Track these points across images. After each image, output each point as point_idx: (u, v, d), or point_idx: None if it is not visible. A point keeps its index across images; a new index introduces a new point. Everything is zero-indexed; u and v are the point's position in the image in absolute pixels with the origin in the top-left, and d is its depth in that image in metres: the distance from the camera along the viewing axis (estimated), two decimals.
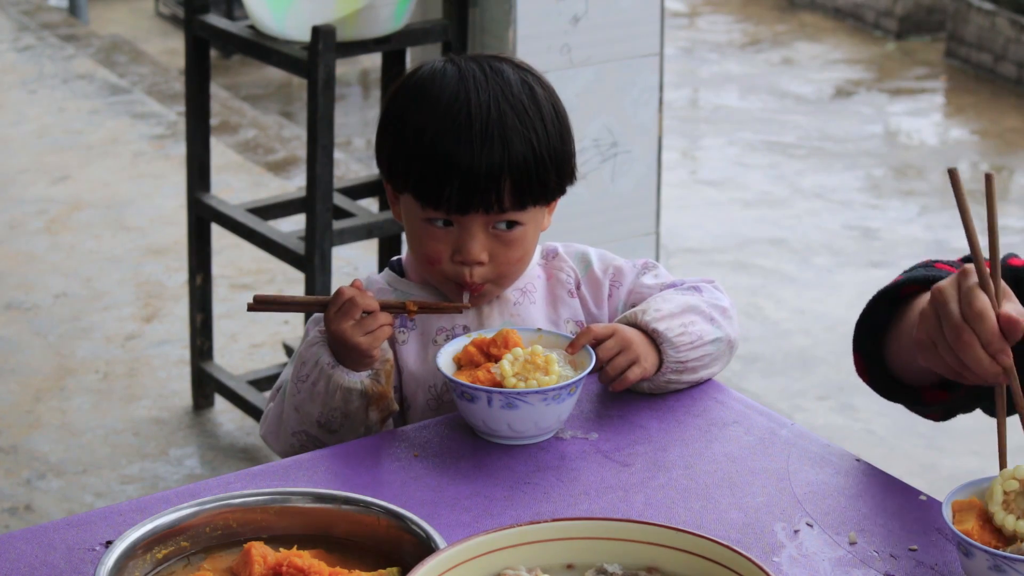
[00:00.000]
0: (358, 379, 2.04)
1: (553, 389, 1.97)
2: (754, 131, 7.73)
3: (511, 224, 2.09)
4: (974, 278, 1.79)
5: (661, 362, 2.08)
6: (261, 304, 2.06)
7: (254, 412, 4.06)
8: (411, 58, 4.16)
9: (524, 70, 2.13)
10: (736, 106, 8.19)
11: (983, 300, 1.78)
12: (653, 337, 2.07)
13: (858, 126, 7.84)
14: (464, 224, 2.08)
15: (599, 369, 2.06)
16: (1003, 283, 1.82)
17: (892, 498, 1.87)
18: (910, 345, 1.92)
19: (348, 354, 2.04)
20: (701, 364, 2.11)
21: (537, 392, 1.97)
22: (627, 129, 4.10)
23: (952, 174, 1.81)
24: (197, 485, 1.89)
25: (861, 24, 9.49)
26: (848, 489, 1.90)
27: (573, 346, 2.04)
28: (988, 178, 1.80)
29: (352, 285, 2.05)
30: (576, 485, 1.91)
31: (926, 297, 1.86)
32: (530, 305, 2.19)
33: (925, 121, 8.02)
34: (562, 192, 2.14)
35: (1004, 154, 7.50)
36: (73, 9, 8.53)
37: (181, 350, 4.62)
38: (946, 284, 1.82)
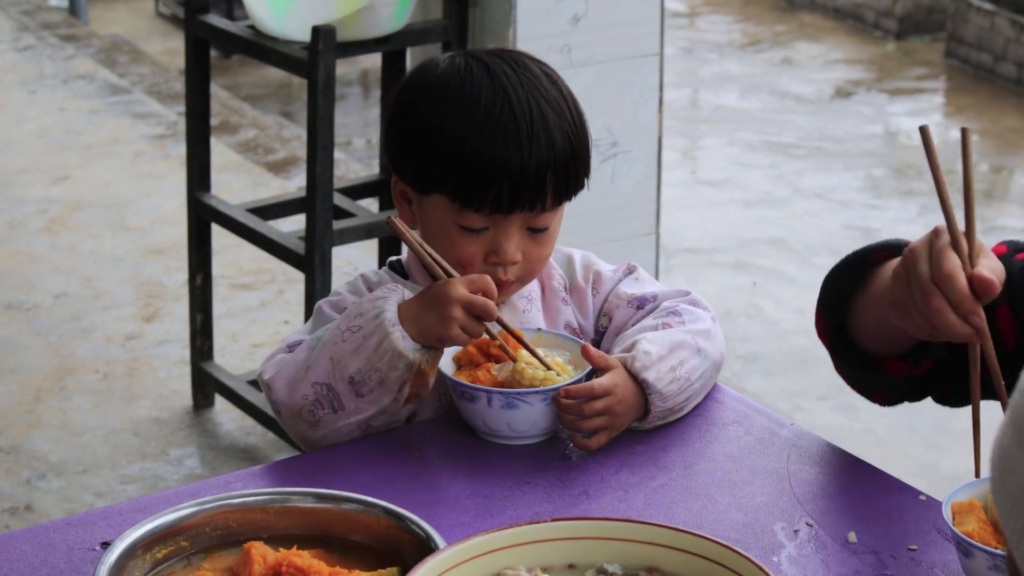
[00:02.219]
0: (412, 348, 1.96)
1: (553, 389, 1.97)
2: (754, 131, 7.73)
3: (544, 230, 2.08)
4: (945, 238, 1.77)
5: (648, 411, 2.01)
6: (395, 227, 2.01)
7: (254, 412, 4.06)
8: (411, 58, 4.16)
9: (540, 62, 2.12)
10: (736, 106, 8.20)
11: (952, 261, 1.75)
12: (642, 386, 2.00)
13: (858, 126, 7.84)
14: (503, 225, 2.05)
15: (574, 421, 1.99)
16: (979, 241, 1.79)
17: (892, 498, 1.87)
18: (875, 309, 1.90)
19: (427, 326, 1.97)
20: (688, 403, 2.06)
21: (537, 392, 1.97)
22: (627, 129, 4.10)
23: (923, 132, 1.77)
24: (197, 485, 1.89)
25: (861, 24, 9.49)
26: (848, 489, 1.90)
27: (568, 393, 1.96)
28: (964, 132, 1.77)
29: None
30: (576, 485, 1.91)
31: (897, 260, 1.84)
32: (536, 313, 2.18)
33: (925, 121, 8.02)
34: (584, 187, 2.14)
35: (1004, 154, 7.50)
36: (73, 9, 8.53)
37: (181, 350, 4.62)
38: (918, 245, 1.79)
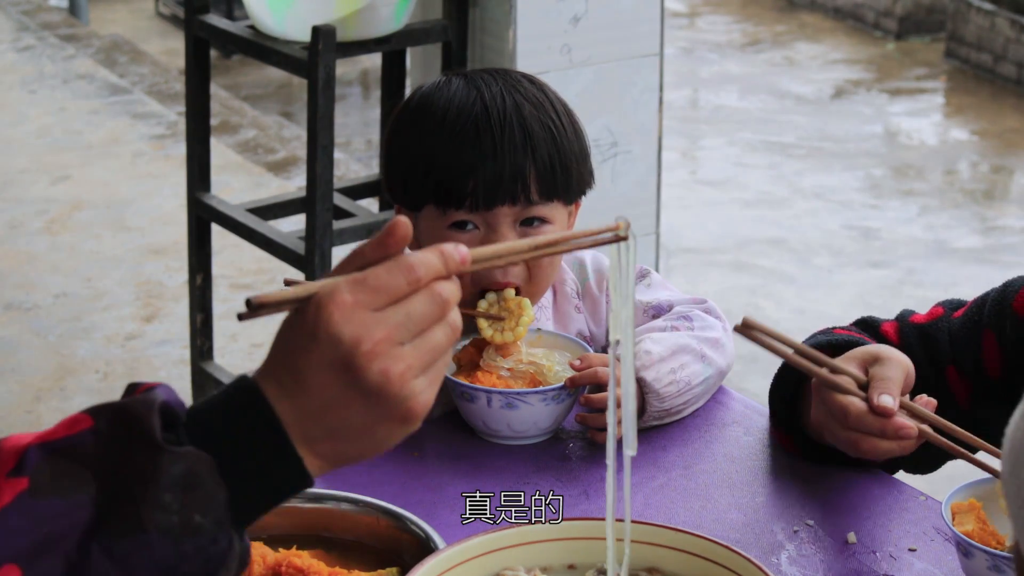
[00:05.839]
0: None
1: (553, 389, 1.97)
2: (754, 131, 7.73)
3: (539, 221, 2.07)
4: (825, 390, 1.77)
5: (644, 409, 2.01)
6: None
7: None
8: (411, 58, 4.16)
9: (529, 76, 2.13)
10: (736, 106, 8.19)
11: (851, 404, 1.75)
12: (640, 384, 2.00)
13: (858, 126, 7.84)
14: (491, 224, 2.05)
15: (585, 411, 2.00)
16: (851, 368, 1.78)
17: (892, 498, 1.88)
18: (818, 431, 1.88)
19: None
20: (686, 406, 2.06)
21: (537, 392, 1.97)
22: (627, 129, 4.10)
23: (738, 329, 1.69)
24: None
25: (861, 24, 9.49)
26: (848, 489, 1.90)
27: (573, 382, 1.97)
28: (737, 329, 1.69)
29: None
30: (576, 485, 1.91)
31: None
32: (547, 322, 2.17)
33: (925, 121, 8.02)
34: (583, 192, 2.13)
35: (1004, 154, 7.50)
36: (73, 9, 8.53)
37: (181, 350, 4.62)
38: (815, 409, 1.80)
